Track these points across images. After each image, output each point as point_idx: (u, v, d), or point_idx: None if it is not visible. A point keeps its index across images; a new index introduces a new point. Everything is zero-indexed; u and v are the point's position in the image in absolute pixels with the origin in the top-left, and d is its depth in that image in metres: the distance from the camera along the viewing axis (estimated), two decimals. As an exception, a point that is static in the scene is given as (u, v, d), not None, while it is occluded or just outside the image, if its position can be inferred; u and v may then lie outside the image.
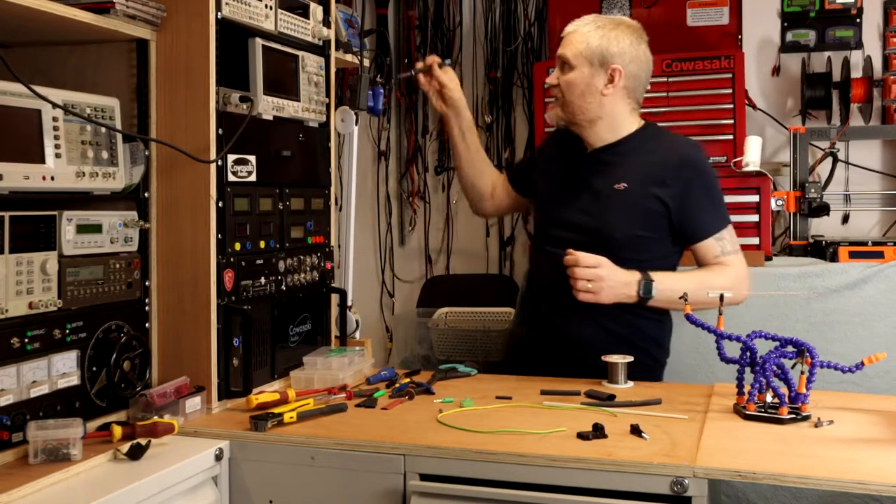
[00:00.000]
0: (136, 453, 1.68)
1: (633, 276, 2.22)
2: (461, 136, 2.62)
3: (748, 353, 1.94)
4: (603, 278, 2.18)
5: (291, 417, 1.87)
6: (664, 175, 2.29)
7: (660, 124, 3.12)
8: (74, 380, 1.76)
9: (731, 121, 3.15)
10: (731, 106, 3.14)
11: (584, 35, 2.30)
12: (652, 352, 2.36)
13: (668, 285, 2.23)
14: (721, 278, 2.26)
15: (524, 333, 2.62)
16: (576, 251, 2.20)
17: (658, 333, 2.39)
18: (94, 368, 1.81)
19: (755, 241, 3.06)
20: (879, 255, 2.91)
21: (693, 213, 2.29)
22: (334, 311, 2.49)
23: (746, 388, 1.92)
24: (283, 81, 2.23)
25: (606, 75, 2.29)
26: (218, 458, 1.80)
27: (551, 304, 2.35)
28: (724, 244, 2.31)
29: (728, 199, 3.05)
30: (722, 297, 2.01)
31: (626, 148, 2.35)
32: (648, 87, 2.41)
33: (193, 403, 1.92)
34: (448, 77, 2.57)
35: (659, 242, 2.32)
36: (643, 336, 2.34)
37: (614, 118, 2.34)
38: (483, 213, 2.76)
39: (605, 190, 2.32)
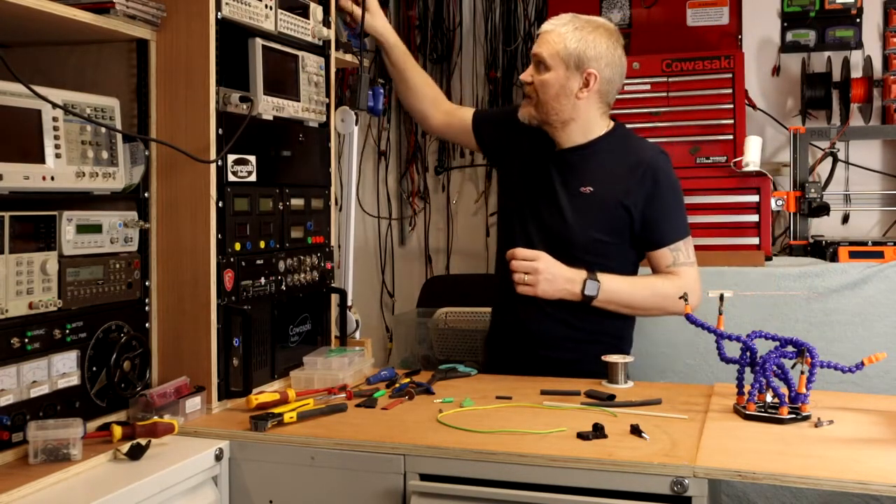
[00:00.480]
0: (136, 453, 1.68)
1: (578, 275, 2.24)
2: (389, 61, 2.66)
3: (748, 353, 1.94)
4: (539, 271, 2.21)
5: (291, 417, 1.87)
6: (630, 181, 2.30)
7: (659, 125, 3.14)
8: (74, 380, 1.76)
9: (731, 121, 3.15)
10: (731, 106, 3.14)
11: (561, 36, 2.27)
12: (617, 346, 2.36)
13: (613, 287, 2.25)
14: (668, 286, 2.28)
15: (492, 330, 2.60)
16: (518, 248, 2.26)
17: (622, 329, 2.40)
18: (94, 368, 1.81)
19: (755, 241, 3.06)
20: (879, 255, 2.91)
21: (654, 221, 2.31)
22: (334, 311, 2.49)
23: (746, 388, 1.92)
24: (283, 81, 2.23)
25: (582, 78, 2.27)
26: (218, 458, 1.80)
27: (516, 298, 2.32)
28: (677, 255, 2.33)
29: (728, 199, 3.08)
30: (722, 297, 2.02)
31: (594, 151, 2.35)
32: (621, 90, 2.41)
33: (193, 403, 1.92)
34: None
35: (619, 247, 2.34)
36: (605, 332, 2.35)
37: (587, 121, 2.33)
38: (428, 131, 3.03)
39: (570, 192, 2.33)
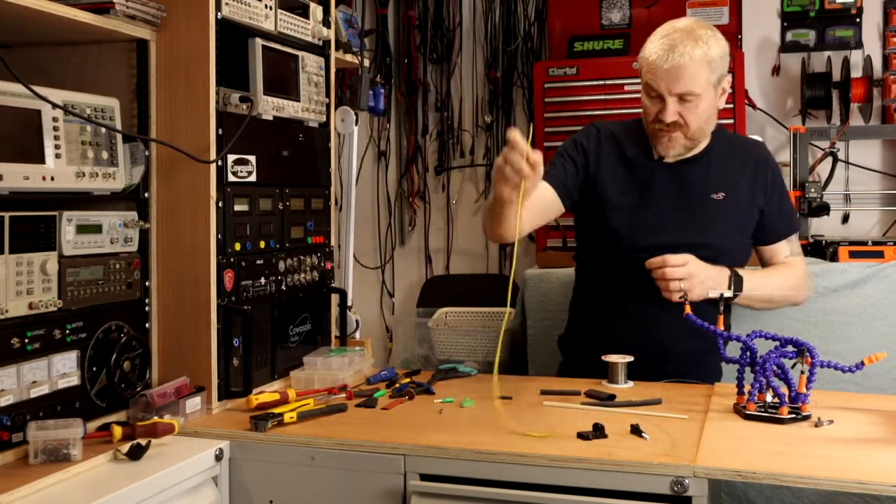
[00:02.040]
0: (136, 453, 1.68)
1: (723, 272, 2.23)
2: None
3: (748, 353, 1.94)
4: (694, 275, 2.17)
5: (291, 417, 1.87)
6: (754, 180, 2.33)
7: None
8: (74, 380, 1.76)
9: (731, 120, 3.14)
10: (731, 106, 3.13)
11: (701, 62, 2.16)
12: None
13: (753, 283, 2.26)
14: (793, 278, 2.35)
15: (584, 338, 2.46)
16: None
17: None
18: (94, 369, 1.81)
19: (755, 240, 3.05)
20: (879, 255, 2.91)
21: (776, 215, 2.36)
22: (334, 311, 2.49)
23: (746, 388, 1.92)
24: (283, 81, 2.23)
25: (720, 89, 2.25)
26: (218, 458, 1.80)
27: (651, 321, 2.27)
28: (793, 246, 2.39)
29: (728, 198, 3.07)
30: (722, 296, 2.06)
31: (711, 156, 2.33)
32: None
33: (193, 403, 1.92)
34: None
35: (748, 245, 2.37)
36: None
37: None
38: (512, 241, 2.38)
39: (701, 201, 2.29)
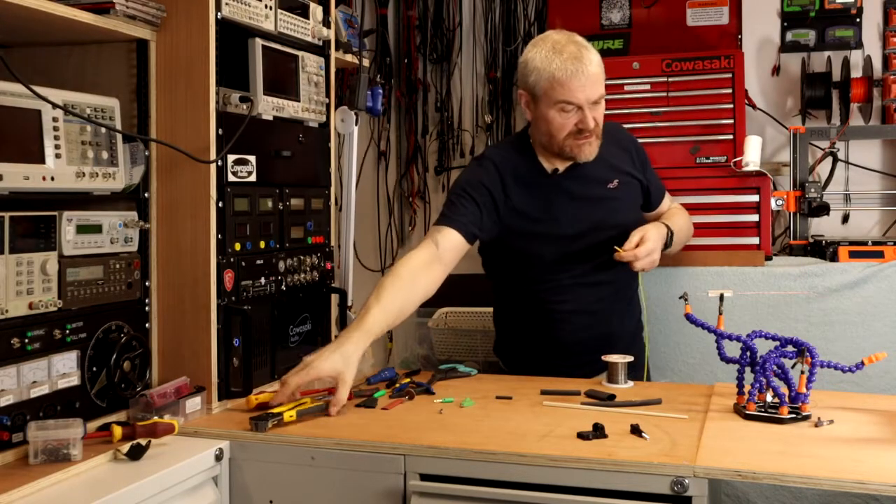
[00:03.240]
0: (136, 453, 1.68)
1: (660, 227, 2.37)
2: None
3: (748, 353, 1.94)
4: (657, 246, 2.31)
5: (291, 416, 1.87)
6: (632, 160, 2.48)
7: (659, 125, 3.14)
8: (74, 380, 1.76)
9: (731, 121, 3.14)
10: (731, 106, 3.13)
11: (599, 64, 2.29)
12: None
13: (674, 227, 2.43)
14: (685, 215, 2.60)
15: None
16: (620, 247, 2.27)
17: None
18: (94, 369, 1.81)
19: (755, 240, 3.05)
20: (879, 255, 2.90)
21: (655, 183, 2.56)
22: (334, 311, 2.49)
23: (746, 388, 1.92)
24: (283, 81, 2.23)
25: None
26: (218, 458, 1.80)
27: (598, 313, 2.41)
28: (672, 200, 2.65)
29: (728, 198, 3.07)
30: (722, 297, 2.05)
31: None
32: None
33: (193, 403, 1.92)
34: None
35: (641, 214, 2.54)
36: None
37: None
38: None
39: (601, 193, 2.40)
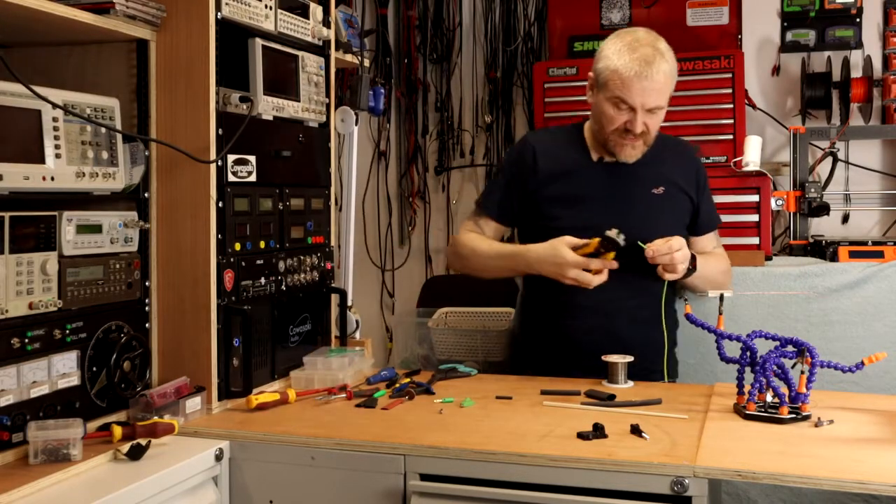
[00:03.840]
0: (136, 453, 1.68)
1: (689, 251, 2.29)
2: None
3: (748, 353, 1.94)
4: (688, 256, 2.25)
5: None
6: (687, 175, 2.44)
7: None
8: (74, 380, 1.76)
9: (731, 121, 3.15)
10: (731, 106, 3.14)
11: (669, 77, 2.27)
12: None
13: (701, 260, 2.34)
14: (724, 265, 2.50)
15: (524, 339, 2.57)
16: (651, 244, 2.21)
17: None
18: (94, 369, 1.81)
19: (755, 240, 3.05)
20: (879, 255, 2.91)
21: (707, 209, 2.49)
22: (334, 311, 2.49)
23: (746, 388, 1.92)
24: (283, 81, 2.23)
25: None
26: (218, 458, 1.80)
27: (610, 315, 2.33)
28: (717, 241, 2.56)
29: (728, 198, 3.07)
30: (722, 297, 2.06)
31: (647, 153, 2.38)
32: None
33: (193, 403, 1.92)
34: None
35: (685, 234, 2.42)
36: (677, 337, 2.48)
37: None
38: None
39: (642, 195, 2.37)
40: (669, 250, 2.20)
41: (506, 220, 2.49)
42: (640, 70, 2.22)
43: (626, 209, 2.34)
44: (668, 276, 2.24)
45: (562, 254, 2.18)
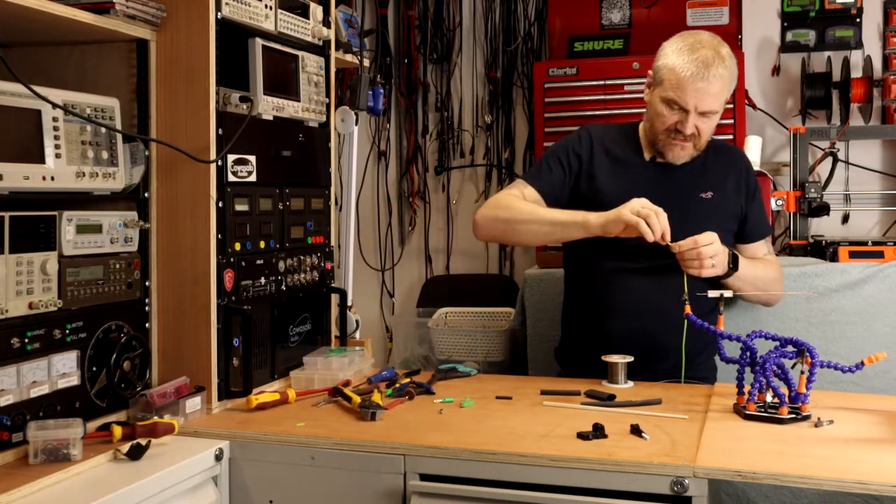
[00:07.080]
0: (136, 453, 1.68)
1: (725, 250, 2.26)
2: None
3: (748, 353, 1.94)
4: (720, 251, 2.22)
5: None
6: (737, 181, 2.42)
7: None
8: (74, 380, 1.76)
9: (731, 121, 3.14)
10: (731, 106, 3.13)
11: (727, 82, 2.26)
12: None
13: (745, 264, 2.31)
14: (774, 272, 2.46)
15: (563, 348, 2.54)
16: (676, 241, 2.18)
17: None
18: (94, 368, 1.81)
19: (755, 240, 3.05)
20: (879, 255, 2.90)
21: (756, 215, 2.46)
22: (334, 311, 2.49)
23: (746, 388, 1.92)
24: (283, 81, 2.23)
25: None
26: (218, 458, 1.80)
27: (648, 318, 2.30)
28: (769, 245, 2.52)
29: (728, 198, 3.06)
30: (722, 297, 2.06)
31: (698, 156, 2.37)
32: None
33: (193, 403, 1.92)
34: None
35: (732, 242, 2.42)
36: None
37: None
38: None
39: (690, 198, 2.35)
40: (695, 245, 2.17)
41: (550, 198, 2.38)
42: (696, 71, 2.21)
43: (672, 210, 2.26)
44: (700, 272, 2.18)
45: (631, 201, 2.14)
